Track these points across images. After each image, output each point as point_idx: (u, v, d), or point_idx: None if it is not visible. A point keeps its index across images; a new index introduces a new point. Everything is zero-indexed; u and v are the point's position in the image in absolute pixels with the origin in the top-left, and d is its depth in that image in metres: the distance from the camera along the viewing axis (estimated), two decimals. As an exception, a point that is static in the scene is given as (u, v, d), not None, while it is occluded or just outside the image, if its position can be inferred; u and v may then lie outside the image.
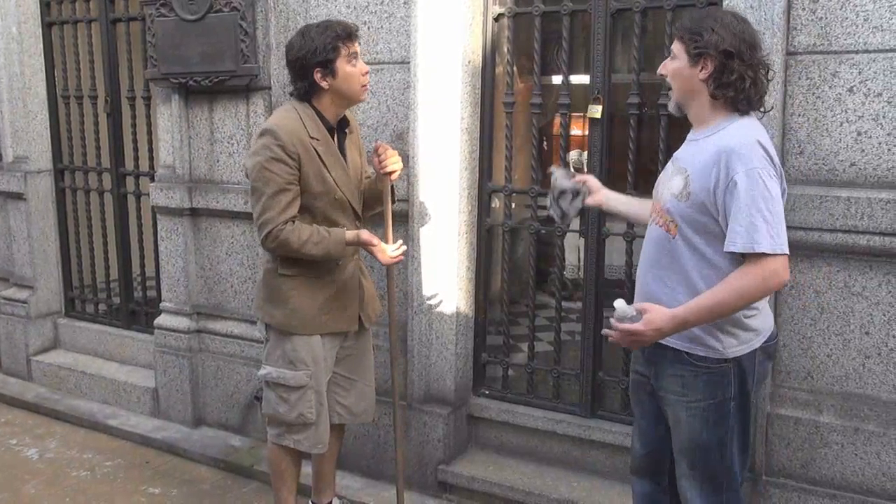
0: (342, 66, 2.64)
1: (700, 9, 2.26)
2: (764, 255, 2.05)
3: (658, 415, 2.46)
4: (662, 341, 2.25)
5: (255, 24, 3.65)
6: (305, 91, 2.70)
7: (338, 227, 2.76)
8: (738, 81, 2.13)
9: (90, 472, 3.86)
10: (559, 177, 2.63)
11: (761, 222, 2.04)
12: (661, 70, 2.31)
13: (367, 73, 2.72)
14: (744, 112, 2.19)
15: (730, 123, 2.18)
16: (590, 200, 2.64)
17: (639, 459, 2.58)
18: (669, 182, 2.26)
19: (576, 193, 2.61)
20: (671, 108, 2.36)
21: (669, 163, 2.35)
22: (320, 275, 2.78)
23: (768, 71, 2.22)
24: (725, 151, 2.10)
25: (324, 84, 2.66)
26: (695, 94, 2.22)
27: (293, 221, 2.67)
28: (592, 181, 2.66)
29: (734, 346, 2.24)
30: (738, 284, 2.09)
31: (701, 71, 2.17)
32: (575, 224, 3.96)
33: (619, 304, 2.22)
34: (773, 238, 2.05)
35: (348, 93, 2.70)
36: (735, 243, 2.07)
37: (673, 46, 2.24)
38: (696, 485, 2.34)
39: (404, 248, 2.85)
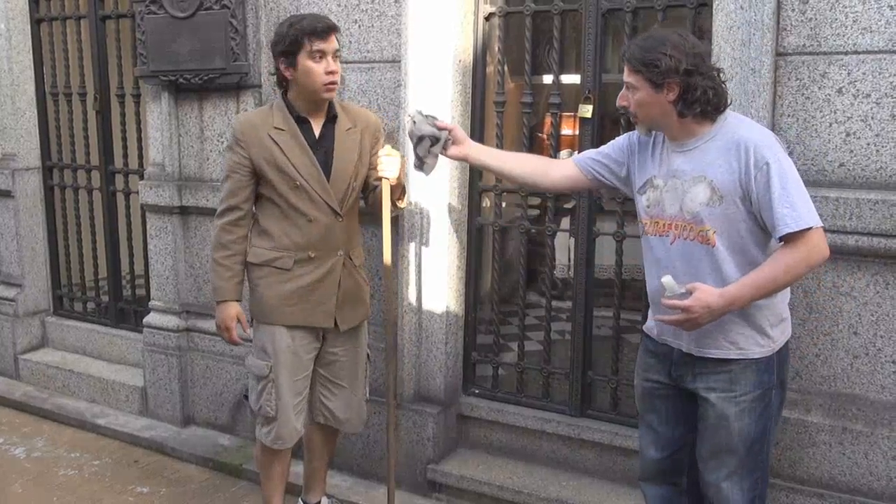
0: (303, 60, 2.68)
1: (644, 35, 2.31)
2: (806, 231, 2.12)
3: (677, 418, 2.49)
4: (715, 354, 2.29)
5: (245, 21, 3.64)
6: (278, 79, 2.81)
7: (308, 218, 2.77)
8: (703, 95, 2.19)
9: (78, 471, 3.84)
10: (418, 122, 2.59)
11: (801, 201, 2.13)
12: (621, 102, 2.32)
13: (333, 72, 2.71)
14: (713, 117, 2.26)
15: (723, 123, 2.25)
16: (453, 151, 2.64)
17: (655, 464, 2.57)
18: (686, 195, 2.25)
19: (435, 140, 2.58)
20: (642, 132, 2.38)
21: (665, 178, 2.32)
22: (289, 267, 2.79)
23: (720, 73, 2.27)
24: (746, 142, 2.17)
25: (287, 74, 2.74)
26: (667, 115, 2.25)
27: (241, 216, 2.83)
28: (458, 131, 2.65)
29: (779, 336, 2.33)
30: (788, 261, 2.15)
31: (668, 94, 2.20)
32: (565, 224, 3.98)
33: (668, 279, 2.22)
34: (813, 213, 2.14)
35: (309, 88, 2.73)
36: (788, 225, 2.12)
37: (629, 78, 2.25)
38: (737, 482, 2.36)
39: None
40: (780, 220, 2.13)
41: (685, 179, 2.27)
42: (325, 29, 2.68)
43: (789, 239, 2.14)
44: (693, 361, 2.35)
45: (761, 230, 2.21)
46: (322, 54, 2.68)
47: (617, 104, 2.35)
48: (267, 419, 2.88)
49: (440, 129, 2.59)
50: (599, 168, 2.54)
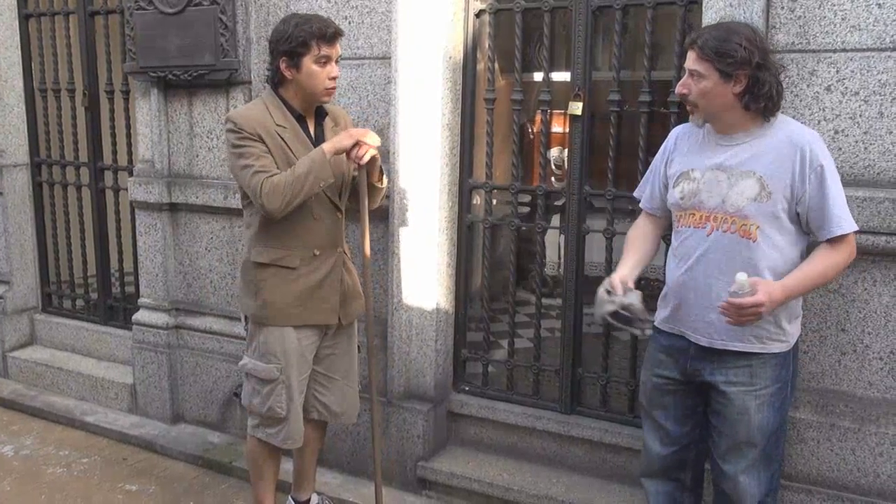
0: (308, 63, 2.65)
1: (714, 25, 2.35)
2: (847, 234, 2.26)
3: (685, 414, 2.53)
4: (739, 348, 2.34)
5: (234, 17, 3.63)
6: (272, 76, 2.75)
7: (314, 216, 2.76)
8: (769, 90, 2.24)
9: (66, 469, 3.83)
10: (631, 298, 2.37)
11: (846, 204, 2.26)
12: (681, 90, 2.34)
13: (335, 77, 2.71)
14: (771, 116, 2.31)
15: (775, 121, 2.31)
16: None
17: (660, 460, 2.60)
18: (733, 189, 2.29)
19: (628, 320, 2.39)
20: (697, 122, 2.41)
21: (704, 171, 2.36)
22: (295, 266, 2.77)
23: (781, 71, 2.32)
24: (801, 142, 2.25)
25: (287, 74, 2.69)
26: (728, 107, 2.29)
27: None
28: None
29: (795, 332, 2.42)
30: (837, 260, 2.28)
31: (735, 86, 2.24)
32: (555, 221, 3.98)
33: (742, 277, 2.21)
34: (853, 218, 2.28)
35: (310, 90, 2.70)
36: (842, 227, 2.24)
37: (696, 66, 2.26)
38: (755, 475, 2.41)
39: (373, 152, 2.71)
40: (836, 221, 2.23)
41: (731, 173, 2.31)
42: (333, 34, 2.67)
43: (835, 240, 2.25)
44: (713, 356, 2.39)
45: (794, 228, 2.30)
46: (327, 59, 2.67)
47: (676, 92, 2.37)
48: (276, 420, 2.86)
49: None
50: (663, 201, 2.56)
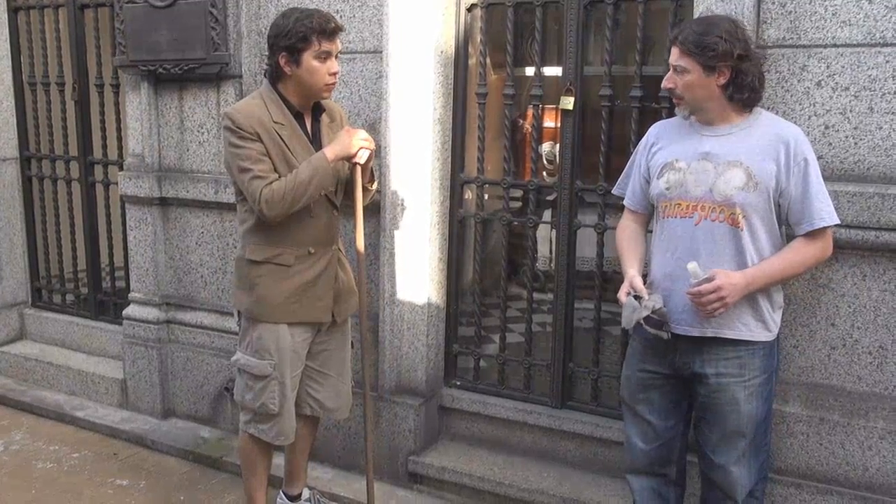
0: (308, 59, 2.62)
1: (696, 20, 2.40)
2: (825, 229, 2.32)
3: (670, 408, 2.56)
4: (729, 335, 2.36)
5: (225, 11, 3.61)
6: (272, 72, 2.71)
7: (311, 214, 2.74)
8: (752, 81, 2.30)
9: (57, 464, 3.81)
10: (655, 302, 2.37)
11: (829, 199, 2.32)
12: (667, 85, 2.40)
13: (335, 73, 2.68)
14: (752, 106, 2.38)
15: (759, 115, 2.40)
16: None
17: (643, 456, 2.61)
18: (720, 178, 2.33)
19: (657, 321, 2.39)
20: (683, 115, 2.46)
21: (690, 160, 2.39)
22: (290, 264, 2.75)
23: (763, 62, 2.39)
24: (786, 137, 2.32)
25: (287, 69, 2.65)
26: (712, 99, 2.35)
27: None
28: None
29: (778, 322, 2.47)
30: (806, 254, 2.34)
31: (718, 78, 2.30)
32: (547, 216, 3.98)
33: (693, 266, 2.26)
34: (838, 213, 2.35)
35: (309, 86, 2.68)
36: (823, 219, 2.29)
37: (680, 61, 2.32)
38: (745, 465, 2.45)
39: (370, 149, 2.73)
40: (817, 213, 2.29)
41: (718, 163, 2.35)
42: (333, 30, 2.64)
43: (812, 233, 2.30)
44: (702, 348, 2.41)
45: (773, 221, 2.34)
46: (328, 55, 2.64)
47: (663, 86, 2.42)
48: (268, 416, 2.85)
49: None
50: (645, 197, 2.60)
